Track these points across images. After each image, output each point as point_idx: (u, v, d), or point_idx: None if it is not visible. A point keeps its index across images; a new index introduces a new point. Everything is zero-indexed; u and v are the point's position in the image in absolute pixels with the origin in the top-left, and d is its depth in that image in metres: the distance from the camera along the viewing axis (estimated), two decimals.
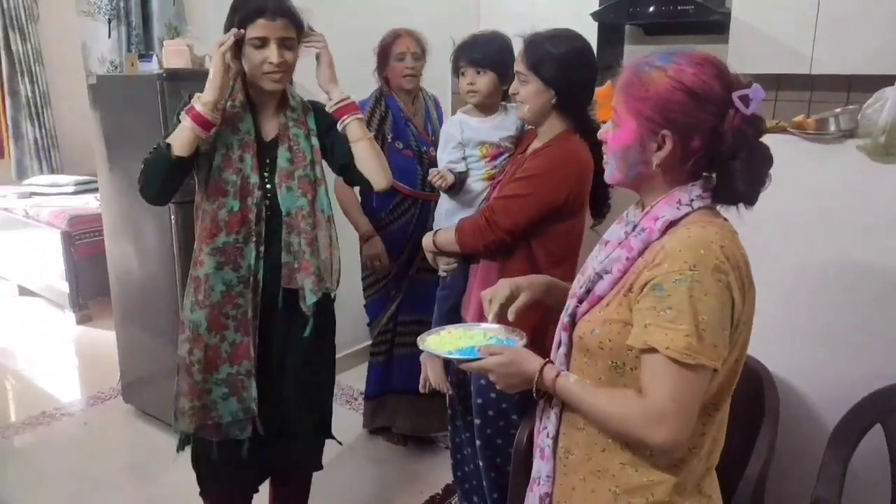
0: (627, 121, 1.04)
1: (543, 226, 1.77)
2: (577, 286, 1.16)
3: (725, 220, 1.09)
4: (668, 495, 1.05)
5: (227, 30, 1.63)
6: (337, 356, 3.58)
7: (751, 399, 1.90)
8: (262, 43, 1.61)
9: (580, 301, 1.11)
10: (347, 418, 2.99)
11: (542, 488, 1.16)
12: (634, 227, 1.08)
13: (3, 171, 6.26)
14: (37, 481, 2.60)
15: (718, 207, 1.08)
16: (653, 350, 0.96)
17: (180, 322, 1.78)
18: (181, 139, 1.59)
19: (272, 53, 1.61)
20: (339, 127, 1.78)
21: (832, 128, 1.81)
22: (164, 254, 2.65)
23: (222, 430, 1.76)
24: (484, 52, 1.98)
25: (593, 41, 3.66)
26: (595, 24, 3.60)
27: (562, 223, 1.79)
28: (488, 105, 2.02)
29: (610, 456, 1.08)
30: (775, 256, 2.01)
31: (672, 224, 1.03)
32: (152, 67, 2.64)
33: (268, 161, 1.72)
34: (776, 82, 3.41)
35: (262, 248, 1.71)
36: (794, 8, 3.02)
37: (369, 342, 2.81)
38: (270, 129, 1.76)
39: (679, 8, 3.23)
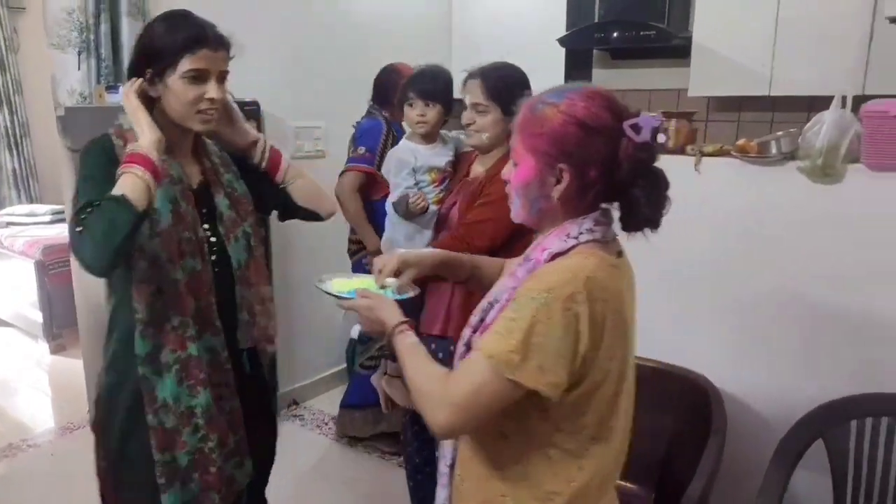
0: (526, 158, 1.07)
1: (513, 242, 1.84)
2: (473, 317, 1.18)
3: (620, 254, 1.11)
4: None
5: (148, 62, 1.39)
6: (306, 382, 3.66)
7: (697, 416, 1.94)
8: (200, 76, 1.38)
9: (474, 330, 1.14)
10: (318, 442, 3.00)
11: None
12: (526, 259, 1.11)
13: None
14: None
15: (627, 237, 1.11)
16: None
17: (174, 417, 1.44)
18: (137, 190, 1.27)
19: (211, 89, 1.39)
20: (281, 177, 1.64)
21: (773, 150, 1.87)
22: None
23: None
24: (434, 86, 2.12)
25: (561, 66, 3.74)
26: (563, 50, 3.68)
27: (522, 236, 1.90)
28: (432, 134, 2.12)
29: (491, 485, 1.10)
30: (722, 277, 2.06)
31: (557, 255, 1.05)
32: (119, 98, 2.68)
33: (204, 211, 1.50)
34: (738, 104, 3.49)
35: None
36: (753, 31, 3.10)
37: (340, 367, 2.83)
38: (193, 174, 1.52)
39: (642, 33, 3.31)
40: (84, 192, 1.34)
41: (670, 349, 2.15)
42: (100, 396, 1.49)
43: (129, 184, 1.27)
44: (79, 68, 2.93)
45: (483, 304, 1.16)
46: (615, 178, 1.03)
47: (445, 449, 1.19)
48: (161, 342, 1.40)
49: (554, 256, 1.05)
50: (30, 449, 3.04)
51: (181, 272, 1.40)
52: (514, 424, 1.06)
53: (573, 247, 1.05)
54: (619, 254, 1.11)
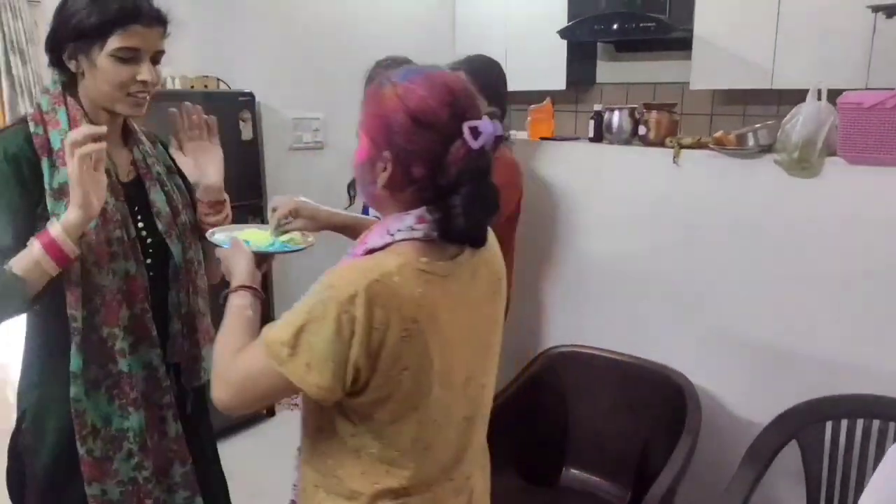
0: (363, 137, 0.98)
1: (499, 230, 1.87)
2: None
3: (456, 256, 0.99)
4: None
5: (70, 40, 1.20)
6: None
7: (673, 413, 1.91)
8: (132, 56, 1.20)
9: None
10: None
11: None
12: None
13: None
14: None
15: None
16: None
17: (103, 444, 1.28)
18: (34, 274, 1.13)
19: (144, 69, 1.21)
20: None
21: (751, 143, 1.83)
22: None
23: None
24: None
25: (563, 58, 3.71)
26: (564, 42, 3.64)
27: (511, 223, 2.06)
28: None
29: (309, 474, 1.07)
30: (699, 271, 2.03)
31: (372, 252, 0.96)
32: None
33: (136, 208, 1.32)
34: (744, 97, 3.42)
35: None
36: (754, 24, 3.04)
37: None
38: (122, 165, 1.34)
39: (641, 25, 3.26)
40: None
41: (647, 345, 2.13)
42: (23, 418, 1.29)
43: (27, 264, 1.12)
44: None
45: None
46: (440, 180, 0.93)
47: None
48: (90, 357, 1.24)
49: (369, 252, 0.96)
50: None
51: (111, 276, 1.24)
52: (325, 421, 1.02)
53: (389, 244, 0.95)
54: (455, 256, 0.99)
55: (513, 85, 3.65)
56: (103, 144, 1.12)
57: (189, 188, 1.43)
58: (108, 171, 1.22)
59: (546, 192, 2.34)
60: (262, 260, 1.20)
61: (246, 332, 1.03)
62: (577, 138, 2.51)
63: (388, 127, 0.93)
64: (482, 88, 1.85)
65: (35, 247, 1.12)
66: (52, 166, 1.20)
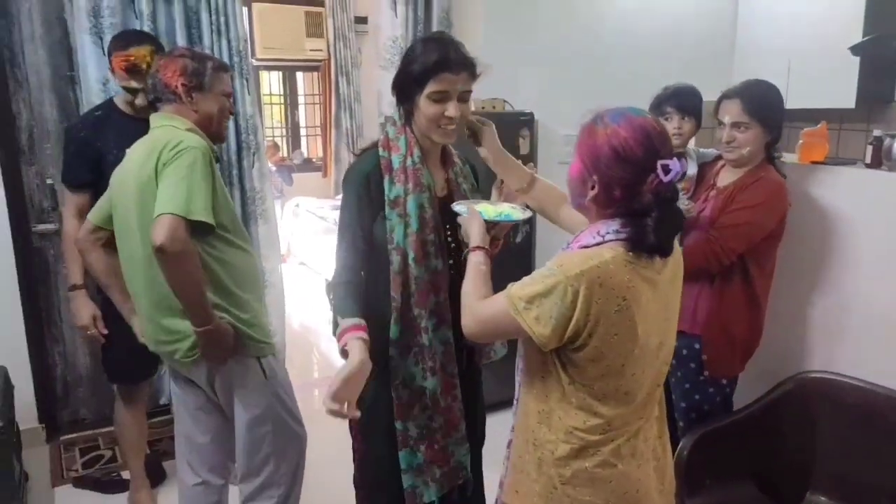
0: (577, 159, 1.27)
1: (758, 247, 2.08)
2: None
3: (648, 256, 1.23)
4: (566, 453, 1.29)
5: (405, 84, 1.57)
6: None
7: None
8: (442, 97, 1.52)
9: None
10: None
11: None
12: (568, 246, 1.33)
13: (325, 187, 7.78)
14: None
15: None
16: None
17: (408, 394, 1.67)
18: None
19: (450, 107, 1.52)
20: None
21: None
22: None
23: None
24: (693, 102, 2.32)
25: (853, 75, 3.49)
26: (856, 60, 3.43)
27: (772, 241, 2.13)
28: (682, 146, 2.28)
29: (530, 421, 1.35)
30: None
31: (585, 248, 1.25)
32: None
33: (447, 217, 1.65)
34: None
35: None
36: None
37: None
38: (440, 185, 1.70)
39: None
40: (342, 221, 1.64)
41: None
42: None
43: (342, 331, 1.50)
44: None
45: None
46: (635, 203, 1.21)
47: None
48: (404, 328, 1.62)
49: (584, 247, 1.25)
50: None
51: (423, 270, 1.59)
52: (546, 370, 1.31)
53: (599, 243, 1.23)
54: (652, 259, 1.25)
55: (795, 102, 3.57)
56: (353, 413, 1.45)
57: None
58: (428, 187, 1.62)
59: (815, 216, 2.31)
60: (491, 226, 1.52)
61: (484, 282, 1.38)
62: (853, 163, 2.43)
63: (598, 157, 1.22)
64: (759, 112, 1.99)
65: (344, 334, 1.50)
66: (392, 183, 1.60)
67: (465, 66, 1.54)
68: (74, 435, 3.20)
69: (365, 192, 1.61)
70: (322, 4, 6.89)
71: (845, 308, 2.26)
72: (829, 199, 2.29)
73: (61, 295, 3.12)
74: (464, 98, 1.56)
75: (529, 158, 3.39)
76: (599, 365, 1.25)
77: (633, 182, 1.20)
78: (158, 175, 1.73)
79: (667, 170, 1.17)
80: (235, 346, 1.83)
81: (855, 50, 3.33)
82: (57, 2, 2.92)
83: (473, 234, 1.46)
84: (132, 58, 2.31)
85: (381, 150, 1.63)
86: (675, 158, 1.19)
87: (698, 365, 2.13)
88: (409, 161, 1.59)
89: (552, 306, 1.19)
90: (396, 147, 1.61)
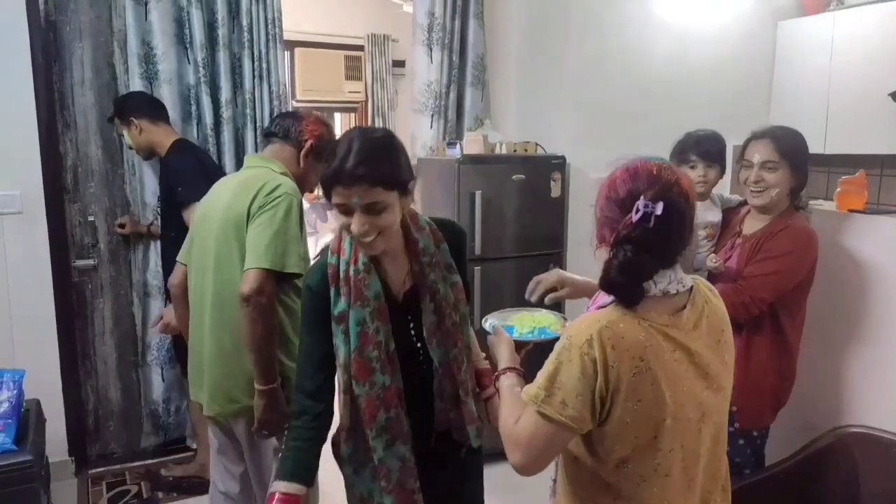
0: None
1: (788, 296, 2.03)
2: None
3: (681, 309, 1.18)
4: None
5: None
6: None
7: None
8: (345, 210, 1.33)
9: None
10: None
11: None
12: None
13: None
14: None
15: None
16: None
17: None
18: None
19: (353, 222, 1.32)
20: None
21: None
22: None
23: None
24: (717, 148, 2.29)
25: (891, 123, 3.42)
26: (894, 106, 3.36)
27: (803, 290, 2.08)
28: (707, 193, 2.25)
29: (569, 500, 1.27)
30: None
31: (602, 307, 1.19)
32: (456, 153, 3.29)
33: (410, 316, 1.49)
34: None
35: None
36: None
37: None
38: (400, 281, 1.48)
39: None
40: (301, 348, 1.50)
41: None
42: None
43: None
44: (430, 127, 3.69)
45: None
46: (614, 242, 1.14)
47: (553, 464, 1.36)
48: (355, 448, 1.48)
49: (601, 307, 1.19)
50: None
51: (368, 388, 1.42)
52: (577, 452, 1.22)
53: (614, 300, 1.16)
54: (675, 312, 1.17)
55: (833, 148, 3.51)
56: None
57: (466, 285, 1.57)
58: (375, 297, 1.40)
59: (853, 266, 2.26)
60: (521, 346, 1.47)
61: (518, 405, 1.24)
62: (894, 211, 2.37)
63: (599, 198, 1.23)
64: (790, 153, 1.96)
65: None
66: (337, 295, 1.42)
67: (361, 179, 1.28)
68: (103, 469, 3.23)
69: (315, 309, 1.46)
70: (362, 49, 7.07)
71: (884, 361, 2.18)
72: (867, 249, 2.24)
73: (97, 329, 3.20)
74: (371, 210, 1.31)
75: (561, 201, 3.39)
76: (626, 439, 1.15)
77: (614, 221, 1.16)
78: (251, 216, 1.77)
79: (638, 210, 1.11)
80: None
81: (895, 96, 3.28)
82: (107, 48, 3.07)
83: (502, 357, 1.40)
84: None
85: (330, 255, 1.45)
86: (661, 202, 1.11)
87: (728, 417, 2.06)
88: (352, 269, 1.41)
89: (575, 382, 1.11)
90: (343, 250, 1.44)
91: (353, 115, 7.95)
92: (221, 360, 1.88)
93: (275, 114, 3.14)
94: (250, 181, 1.83)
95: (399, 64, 7.00)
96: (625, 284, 1.14)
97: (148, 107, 2.83)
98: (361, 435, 1.47)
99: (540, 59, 3.61)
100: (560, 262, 3.40)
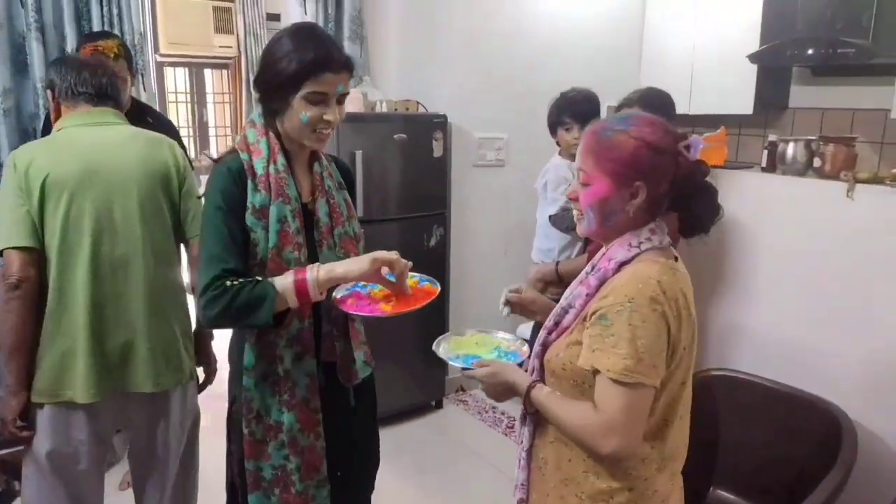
0: (600, 178, 1.19)
1: None
2: (548, 320, 1.31)
3: (676, 258, 1.23)
4: (627, 501, 1.18)
5: (275, 83, 1.36)
6: None
7: (828, 444, 1.90)
8: (321, 99, 1.36)
9: (550, 332, 1.28)
10: (476, 426, 3.31)
11: (518, 493, 1.36)
12: (594, 268, 1.24)
13: None
14: None
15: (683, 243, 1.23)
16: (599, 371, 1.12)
17: (262, 430, 1.45)
18: (280, 299, 1.31)
19: (329, 111, 1.37)
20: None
21: None
22: None
23: None
24: (591, 109, 2.32)
25: (752, 82, 3.64)
26: (754, 67, 3.58)
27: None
28: None
29: (575, 465, 1.22)
30: (868, 304, 1.99)
31: (624, 264, 1.18)
32: None
33: (312, 228, 1.48)
34: None
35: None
36: None
37: None
38: (306, 187, 1.49)
39: (839, 51, 3.13)
40: (210, 221, 1.36)
41: (805, 376, 2.11)
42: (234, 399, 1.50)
43: (281, 293, 1.30)
44: None
45: (557, 308, 1.30)
46: (678, 191, 1.19)
47: (523, 435, 1.34)
48: (259, 355, 1.42)
49: (620, 265, 1.18)
50: None
51: None
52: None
53: (636, 255, 1.18)
54: (676, 259, 1.23)
55: (697, 108, 3.68)
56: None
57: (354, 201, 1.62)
58: (295, 198, 1.41)
59: None
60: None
61: (574, 402, 1.20)
62: (749, 167, 2.53)
63: (636, 160, 1.17)
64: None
65: (288, 279, 1.31)
66: (255, 189, 1.37)
67: (347, 66, 1.38)
68: None
69: (234, 189, 1.37)
70: (232, 0, 6.65)
71: (745, 306, 2.34)
72: (728, 204, 2.35)
73: None
74: (341, 101, 1.41)
75: (443, 160, 3.36)
76: (666, 387, 1.16)
77: (672, 170, 1.18)
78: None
79: (688, 148, 1.18)
80: None
81: (752, 58, 3.48)
82: None
83: (514, 380, 1.29)
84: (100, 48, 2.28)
85: (241, 153, 1.41)
86: (689, 136, 1.20)
87: None
88: (272, 167, 1.39)
89: (656, 342, 1.11)
90: (258, 150, 1.41)
91: (225, 71, 7.50)
92: (162, 328, 1.74)
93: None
94: (150, 136, 1.77)
95: (274, 17, 6.64)
96: (712, 223, 1.21)
97: None
98: (269, 343, 1.42)
99: (420, 17, 3.53)
100: (444, 222, 3.39)
